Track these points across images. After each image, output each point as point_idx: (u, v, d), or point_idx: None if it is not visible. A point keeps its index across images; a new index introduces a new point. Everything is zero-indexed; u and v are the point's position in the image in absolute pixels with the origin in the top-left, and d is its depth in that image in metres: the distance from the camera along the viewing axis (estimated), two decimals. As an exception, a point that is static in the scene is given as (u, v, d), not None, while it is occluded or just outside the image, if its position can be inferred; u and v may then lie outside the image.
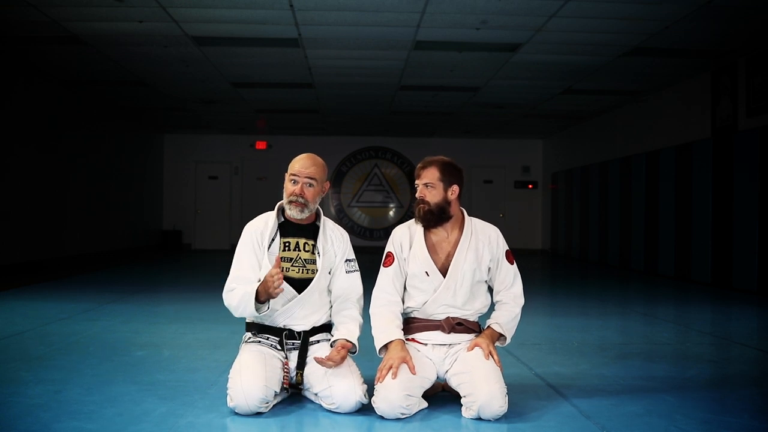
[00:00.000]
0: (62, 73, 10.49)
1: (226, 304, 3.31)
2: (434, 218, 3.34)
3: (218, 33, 8.16)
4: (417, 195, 3.35)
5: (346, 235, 3.53)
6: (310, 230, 3.41)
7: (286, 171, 3.37)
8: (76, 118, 12.02)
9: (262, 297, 3.16)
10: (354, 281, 3.44)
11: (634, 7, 7.01)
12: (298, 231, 3.39)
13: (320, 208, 3.44)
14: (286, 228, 3.39)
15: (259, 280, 3.24)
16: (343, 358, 3.19)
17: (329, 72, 10.14)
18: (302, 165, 3.31)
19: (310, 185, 3.31)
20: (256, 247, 3.33)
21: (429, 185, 3.32)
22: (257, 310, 3.19)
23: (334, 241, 3.43)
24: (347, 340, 3.25)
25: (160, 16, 7.48)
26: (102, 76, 10.69)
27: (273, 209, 3.44)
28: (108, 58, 9.41)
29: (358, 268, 3.49)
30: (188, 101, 12.67)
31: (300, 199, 3.30)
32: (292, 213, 3.33)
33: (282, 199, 3.40)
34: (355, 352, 3.33)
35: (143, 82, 11.06)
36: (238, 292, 3.23)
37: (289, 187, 3.33)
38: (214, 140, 17.12)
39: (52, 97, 11.11)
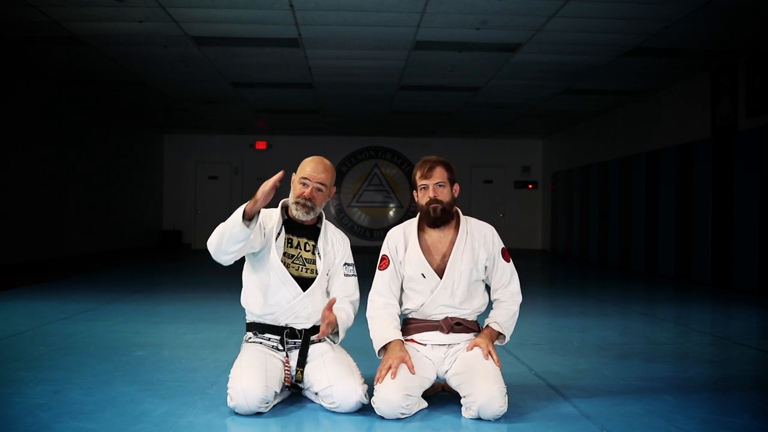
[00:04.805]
0: (62, 73, 10.50)
1: (210, 242, 3.25)
2: (447, 217, 3.34)
3: (218, 33, 8.16)
4: (430, 195, 3.30)
5: (346, 239, 3.56)
6: (312, 231, 3.44)
7: (295, 171, 3.40)
8: (76, 119, 12.02)
9: (250, 208, 3.10)
10: (351, 285, 3.46)
11: (634, 7, 7.01)
12: (301, 230, 3.41)
13: (323, 211, 3.47)
14: (290, 226, 3.42)
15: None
16: (330, 307, 3.23)
17: (329, 72, 10.14)
18: (314, 170, 3.33)
19: (319, 190, 3.34)
20: (262, 227, 3.31)
21: (440, 184, 3.31)
22: (246, 227, 3.10)
23: (335, 244, 3.46)
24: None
25: (160, 16, 7.48)
26: (102, 76, 10.70)
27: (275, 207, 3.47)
28: (108, 58, 9.41)
29: (356, 274, 3.51)
30: (188, 101, 12.67)
31: (308, 203, 3.33)
32: (298, 214, 3.35)
33: (285, 197, 3.44)
34: (337, 333, 3.36)
35: (143, 82, 11.06)
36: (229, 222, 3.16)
37: (298, 188, 3.34)
38: (214, 140, 17.12)
39: (52, 97, 11.11)
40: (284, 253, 3.35)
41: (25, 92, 10.18)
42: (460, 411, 3.16)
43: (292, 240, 3.39)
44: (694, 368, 4.33)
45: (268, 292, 3.32)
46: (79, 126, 12.16)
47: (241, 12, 7.37)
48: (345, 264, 3.47)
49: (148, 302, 7.10)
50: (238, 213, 3.12)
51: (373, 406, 3.08)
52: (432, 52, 8.88)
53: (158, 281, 9.84)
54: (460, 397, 3.18)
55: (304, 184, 3.33)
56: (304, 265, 3.38)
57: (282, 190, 3.15)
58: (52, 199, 11.10)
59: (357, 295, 3.48)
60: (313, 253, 3.41)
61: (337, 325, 3.30)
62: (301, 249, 3.39)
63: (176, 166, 17.15)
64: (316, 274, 3.38)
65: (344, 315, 3.36)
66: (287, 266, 3.34)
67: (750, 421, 3.19)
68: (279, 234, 3.37)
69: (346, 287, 3.44)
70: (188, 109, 13.48)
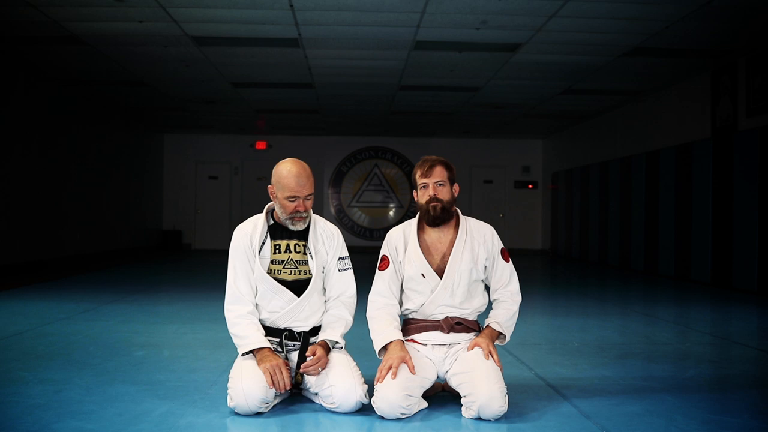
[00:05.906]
0: (62, 73, 10.49)
1: (227, 318, 3.32)
2: (446, 216, 3.34)
3: (218, 33, 8.16)
4: (430, 194, 3.31)
5: (338, 232, 3.49)
6: (300, 230, 3.38)
7: (271, 183, 3.32)
8: (76, 118, 12.02)
9: (256, 356, 3.21)
10: (346, 280, 3.42)
11: (634, 7, 7.01)
12: (289, 232, 3.36)
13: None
14: (276, 230, 3.37)
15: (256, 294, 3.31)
16: (320, 358, 3.19)
17: (329, 72, 10.14)
18: (299, 184, 3.22)
19: (308, 199, 3.29)
20: (248, 251, 3.31)
21: (441, 183, 3.32)
22: (241, 353, 3.25)
23: (326, 240, 3.41)
24: (324, 341, 3.27)
25: (160, 16, 7.48)
26: (102, 76, 10.69)
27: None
28: (108, 58, 9.41)
29: (351, 266, 3.46)
30: (188, 101, 12.67)
31: (302, 214, 3.29)
32: (295, 227, 3.31)
33: (270, 202, 3.40)
34: (341, 348, 3.35)
35: (143, 82, 11.06)
36: (240, 328, 3.25)
37: (288, 204, 3.25)
38: (214, 140, 17.12)
39: (53, 97, 11.11)
40: (272, 261, 3.31)
41: (25, 92, 10.18)
42: (460, 411, 3.16)
43: (279, 245, 3.34)
44: (694, 368, 4.33)
45: (262, 301, 3.32)
46: (79, 126, 12.16)
47: (241, 12, 7.37)
48: (339, 258, 3.42)
49: (148, 302, 7.10)
50: (242, 348, 3.23)
51: (374, 406, 3.08)
52: (432, 52, 8.88)
53: (158, 281, 9.84)
54: (461, 397, 3.18)
55: (293, 201, 3.25)
56: (297, 268, 3.33)
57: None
58: (52, 199, 11.09)
59: (353, 290, 3.43)
60: (304, 253, 3.35)
61: (338, 342, 3.32)
62: (291, 252, 3.34)
63: (176, 166, 17.14)
64: (311, 275, 3.35)
65: (342, 326, 3.34)
66: (279, 272, 3.31)
67: (750, 421, 3.19)
68: (263, 244, 3.32)
69: (342, 283, 3.40)
70: (188, 109, 13.48)
